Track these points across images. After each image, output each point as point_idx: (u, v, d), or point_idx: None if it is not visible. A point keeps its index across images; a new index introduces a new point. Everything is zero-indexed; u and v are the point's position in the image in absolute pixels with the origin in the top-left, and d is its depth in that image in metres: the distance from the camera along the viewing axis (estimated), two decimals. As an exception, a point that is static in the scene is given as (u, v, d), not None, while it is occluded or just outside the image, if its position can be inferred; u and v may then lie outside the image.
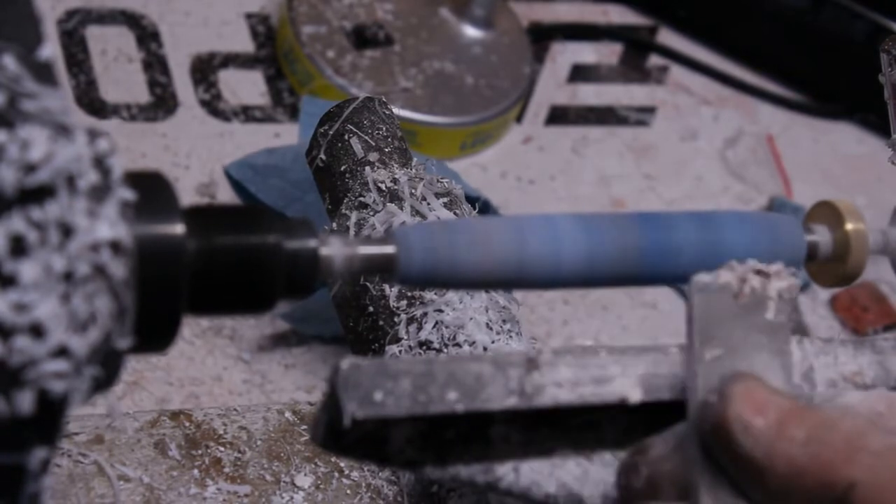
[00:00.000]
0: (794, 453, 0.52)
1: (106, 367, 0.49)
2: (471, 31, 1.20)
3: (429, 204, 0.81)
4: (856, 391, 0.60)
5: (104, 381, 0.49)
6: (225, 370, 0.96)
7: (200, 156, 1.09)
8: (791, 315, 0.58)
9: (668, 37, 1.32)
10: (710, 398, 0.54)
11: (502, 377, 0.55)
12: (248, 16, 1.20)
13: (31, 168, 0.46)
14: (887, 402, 0.58)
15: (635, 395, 0.56)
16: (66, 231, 0.47)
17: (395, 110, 0.89)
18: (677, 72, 1.30)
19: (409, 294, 0.79)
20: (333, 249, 0.55)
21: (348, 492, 0.79)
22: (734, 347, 0.56)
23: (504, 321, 0.80)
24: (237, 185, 1.06)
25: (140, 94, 1.12)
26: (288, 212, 1.00)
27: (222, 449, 0.79)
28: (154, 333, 0.51)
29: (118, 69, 1.13)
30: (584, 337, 1.07)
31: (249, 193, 1.04)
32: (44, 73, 0.50)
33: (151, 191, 0.51)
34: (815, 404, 0.57)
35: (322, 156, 0.86)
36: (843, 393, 0.59)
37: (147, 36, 1.16)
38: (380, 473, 0.80)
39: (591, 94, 1.26)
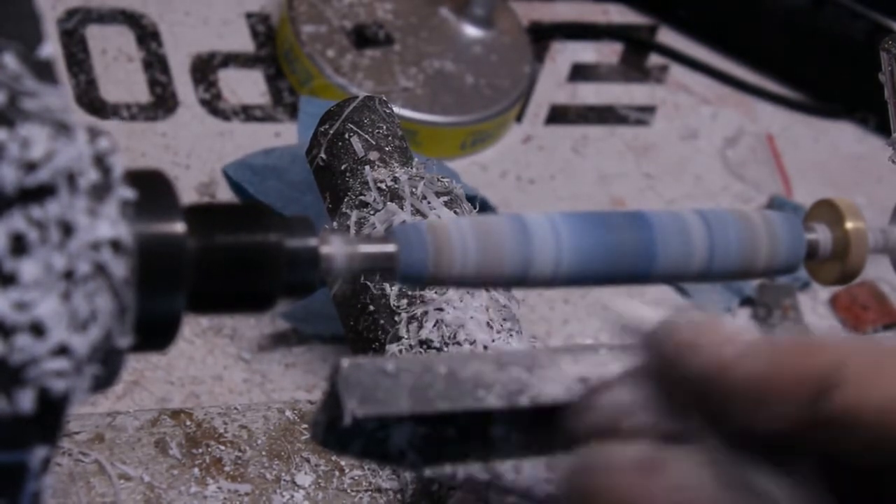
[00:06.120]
0: (768, 349, 0.48)
1: (106, 366, 0.49)
2: (471, 31, 1.20)
3: (429, 203, 0.81)
4: None
5: (105, 380, 0.49)
6: (225, 369, 0.96)
7: (200, 155, 1.09)
8: None
9: (668, 36, 1.32)
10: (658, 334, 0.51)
11: (503, 376, 0.55)
12: (248, 15, 1.20)
13: (31, 167, 0.46)
14: None
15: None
16: (67, 230, 0.47)
17: (396, 110, 0.90)
18: (677, 71, 1.30)
19: (410, 293, 0.79)
20: (334, 248, 0.55)
21: (349, 490, 0.79)
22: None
23: (504, 320, 0.80)
24: (236, 186, 1.06)
25: (140, 93, 1.12)
26: (286, 213, 0.99)
27: (223, 448, 0.79)
28: (154, 332, 0.51)
29: (118, 68, 1.13)
30: (584, 336, 1.06)
31: (248, 194, 1.04)
32: (44, 72, 0.50)
33: (152, 189, 0.51)
34: None
35: (322, 155, 0.86)
36: None
37: (147, 35, 1.16)
38: (380, 472, 0.80)
39: (591, 94, 1.26)
